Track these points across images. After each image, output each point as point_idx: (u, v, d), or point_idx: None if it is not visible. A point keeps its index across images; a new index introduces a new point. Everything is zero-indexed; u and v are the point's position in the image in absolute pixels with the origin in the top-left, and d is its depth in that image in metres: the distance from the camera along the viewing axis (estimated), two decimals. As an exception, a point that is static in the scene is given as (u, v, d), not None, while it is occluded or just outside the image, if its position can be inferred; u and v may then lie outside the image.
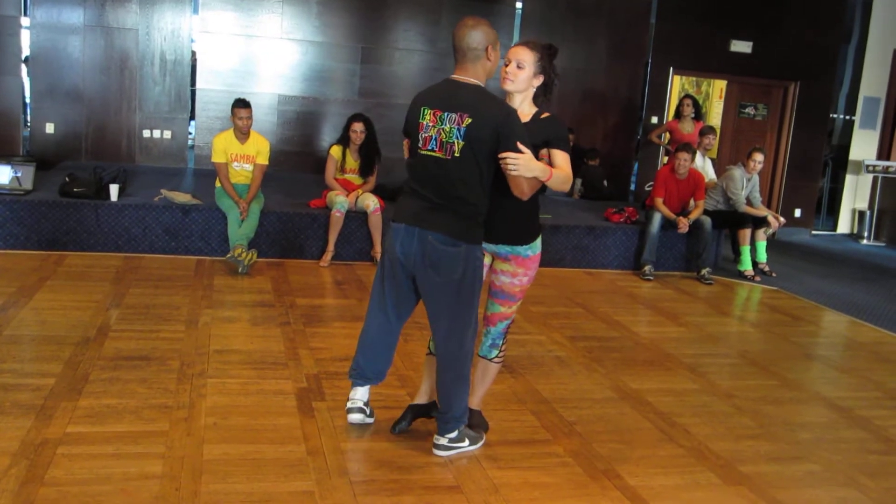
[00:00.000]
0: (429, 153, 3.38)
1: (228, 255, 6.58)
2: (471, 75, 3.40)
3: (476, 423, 3.83)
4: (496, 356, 3.77)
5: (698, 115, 9.69)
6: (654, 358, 5.38)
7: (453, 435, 3.63)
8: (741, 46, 11.05)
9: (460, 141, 3.30)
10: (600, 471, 3.64)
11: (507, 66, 3.53)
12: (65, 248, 6.84)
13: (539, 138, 3.46)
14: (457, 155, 3.31)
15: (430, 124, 3.37)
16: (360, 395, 3.81)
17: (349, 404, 3.81)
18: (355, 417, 3.81)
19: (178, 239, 7.07)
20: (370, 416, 3.85)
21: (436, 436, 3.65)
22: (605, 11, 10.63)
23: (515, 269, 3.62)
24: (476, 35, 3.36)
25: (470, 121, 3.29)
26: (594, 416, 4.27)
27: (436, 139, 3.35)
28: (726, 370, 5.34)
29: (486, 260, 3.66)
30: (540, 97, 3.62)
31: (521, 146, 3.29)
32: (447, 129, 3.32)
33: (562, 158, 3.47)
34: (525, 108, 3.57)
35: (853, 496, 3.65)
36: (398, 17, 10.01)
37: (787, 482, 3.72)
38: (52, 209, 6.82)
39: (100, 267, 6.46)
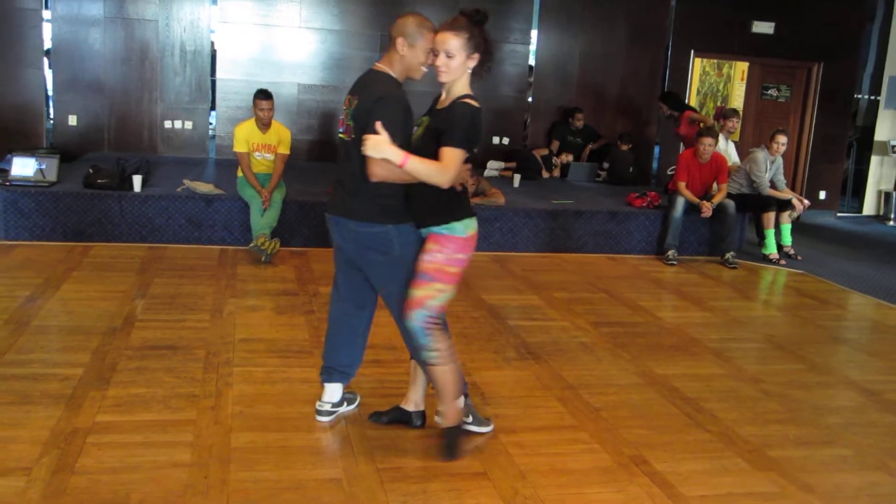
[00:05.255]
0: (339, 135, 3.51)
1: (251, 245, 6.60)
2: (384, 63, 3.42)
3: (448, 443, 3.52)
4: (429, 358, 3.39)
5: (675, 107, 9.59)
6: (679, 343, 5.35)
7: None
8: (763, 27, 10.94)
9: (351, 122, 3.37)
10: (628, 456, 3.63)
11: (436, 57, 3.27)
12: (90, 238, 6.89)
13: (440, 125, 3.26)
14: (353, 136, 3.35)
15: (344, 107, 3.47)
16: (328, 395, 3.76)
17: (317, 405, 3.79)
18: (322, 420, 3.76)
19: (202, 229, 7.11)
20: (353, 403, 3.87)
21: (438, 406, 3.60)
22: (624, -6, 10.56)
23: (429, 246, 3.33)
24: (395, 24, 3.35)
25: (357, 102, 3.36)
26: (620, 402, 4.26)
27: (345, 122, 3.45)
28: (752, 355, 5.30)
29: None
30: (479, 75, 3.35)
31: (379, 127, 3.15)
32: (348, 112, 3.41)
33: (443, 153, 3.19)
34: (458, 90, 3.30)
35: (884, 480, 3.62)
36: (416, 5, 9.96)
37: (817, 466, 3.69)
38: (77, 200, 6.86)
39: (125, 257, 6.50)
